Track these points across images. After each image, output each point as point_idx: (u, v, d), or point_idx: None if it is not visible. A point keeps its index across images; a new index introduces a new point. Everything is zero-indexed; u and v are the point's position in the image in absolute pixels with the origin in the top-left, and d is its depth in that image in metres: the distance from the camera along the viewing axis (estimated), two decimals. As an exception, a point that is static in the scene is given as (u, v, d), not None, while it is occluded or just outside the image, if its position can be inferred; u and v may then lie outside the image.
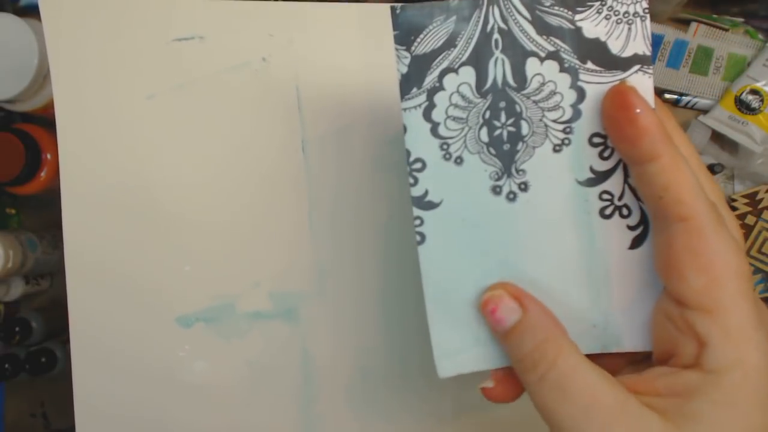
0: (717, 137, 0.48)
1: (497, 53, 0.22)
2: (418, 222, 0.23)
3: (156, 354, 0.37)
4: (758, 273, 0.45)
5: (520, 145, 0.23)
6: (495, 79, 0.22)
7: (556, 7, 0.22)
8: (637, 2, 0.22)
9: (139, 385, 0.37)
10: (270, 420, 0.38)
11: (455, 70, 0.22)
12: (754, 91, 0.46)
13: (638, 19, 0.22)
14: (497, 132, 0.23)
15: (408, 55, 0.22)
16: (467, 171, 0.23)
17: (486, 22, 0.22)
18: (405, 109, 0.23)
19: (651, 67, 0.22)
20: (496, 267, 0.23)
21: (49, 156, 0.41)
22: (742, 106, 0.46)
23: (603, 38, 0.22)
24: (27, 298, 0.48)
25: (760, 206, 0.45)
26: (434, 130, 0.23)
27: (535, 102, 0.22)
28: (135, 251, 0.37)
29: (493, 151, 0.23)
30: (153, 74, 0.36)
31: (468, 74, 0.22)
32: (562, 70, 0.22)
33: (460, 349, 0.24)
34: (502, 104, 0.22)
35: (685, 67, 0.47)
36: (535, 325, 0.21)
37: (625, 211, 0.23)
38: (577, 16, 0.22)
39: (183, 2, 0.36)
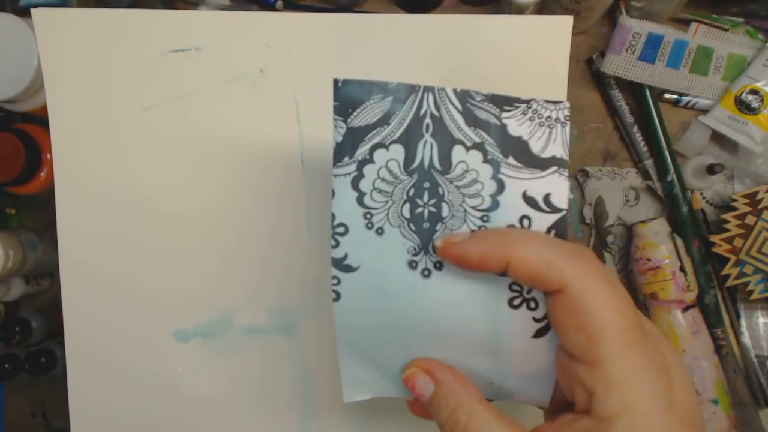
0: (717, 137, 0.48)
1: (427, 136, 0.24)
2: (335, 281, 0.25)
3: (153, 369, 0.37)
4: (758, 273, 0.45)
5: (439, 226, 0.24)
6: (422, 160, 0.24)
7: (486, 103, 0.24)
8: (559, 109, 0.24)
9: (136, 401, 0.37)
10: (267, 428, 0.38)
11: (386, 146, 0.24)
12: (754, 91, 0.46)
13: (559, 125, 0.24)
14: (419, 210, 0.24)
15: (344, 125, 0.23)
16: (387, 242, 0.24)
17: (420, 106, 0.24)
18: (335, 176, 0.24)
19: (566, 170, 0.24)
20: (404, 335, 0.25)
21: (49, 156, 0.41)
22: (742, 106, 0.46)
23: (525, 137, 0.24)
24: (27, 298, 0.48)
25: (760, 206, 0.45)
26: (360, 199, 0.24)
27: (457, 187, 0.24)
28: (132, 265, 0.36)
29: (413, 227, 0.24)
30: (150, 86, 0.36)
31: (397, 152, 0.24)
32: (485, 161, 0.24)
33: (364, 382, 0.26)
34: (426, 184, 0.24)
35: (685, 67, 0.47)
36: (447, 395, 0.23)
37: (532, 304, 0.24)
38: (504, 114, 0.24)
39: (180, 13, 0.36)
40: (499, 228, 0.24)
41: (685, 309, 0.45)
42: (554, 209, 0.24)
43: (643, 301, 0.47)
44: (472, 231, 0.24)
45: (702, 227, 0.48)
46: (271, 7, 0.43)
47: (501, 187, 0.24)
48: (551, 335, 0.24)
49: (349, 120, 0.23)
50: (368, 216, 0.24)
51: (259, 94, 0.37)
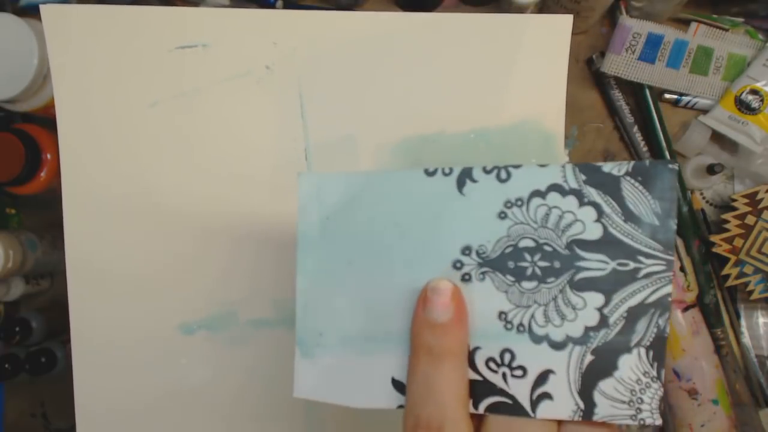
0: (717, 137, 0.48)
1: (612, 264, 0.21)
2: (446, 170, 0.23)
3: (158, 361, 0.37)
4: (758, 273, 0.45)
5: (511, 278, 0.22)
6: (584, 260, 0.21)
7: (655, 330, 0.21)
8: (653, 419, 0.21)
9: (141, 393, 0.37)
10: (273, 428, 0.38)
11: (599, 218, 0.21)
12: (754, 91, 0.46)
13: (632, 413, 0.21)
14: (526, 255, 0.22)
15: (619, 173, 0.22)
16: (489, 221, 0.22)
17: (648, 257, 0.21)
18: (563, 166, 0.22)
19: (580, 419, 0.21)
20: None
21: (49, 156, 0.41)
22: (742, 106, 0.46)
23: (615, 374, 0.21)
24: (27, 298, 0.48)
25: (760, 206, 0.45)
26: (534, 194, 0.22)
27: (555, 299, 0.22)
28: (137, 259, 0.36)
29: (507, 251, 0.22)
30: (156, 82, 0.36)
31: (592, 231, 0.21)
32: (587, 328, 0.21)
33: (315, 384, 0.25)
34: (557, 264, 0.22)
35: (685, 67, 0.47)
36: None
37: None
38: (641, 350, 0.21)
39: (187, 10, 0.36)
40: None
41: (685, 309, 0.45)
42: (533, 406, 0.21)
43: (643, 301, 0.47)
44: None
45: (702, 227, 0.48)
46: (271, 7, 0.43)
47: (559, 347, 0.21)
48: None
49: (628, 178, 0.21)
50: (518, 203, 0.22)
51: (265, 90, 0.37)
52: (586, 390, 0.21)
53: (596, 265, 0.21)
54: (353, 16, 0.38)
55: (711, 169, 0.46)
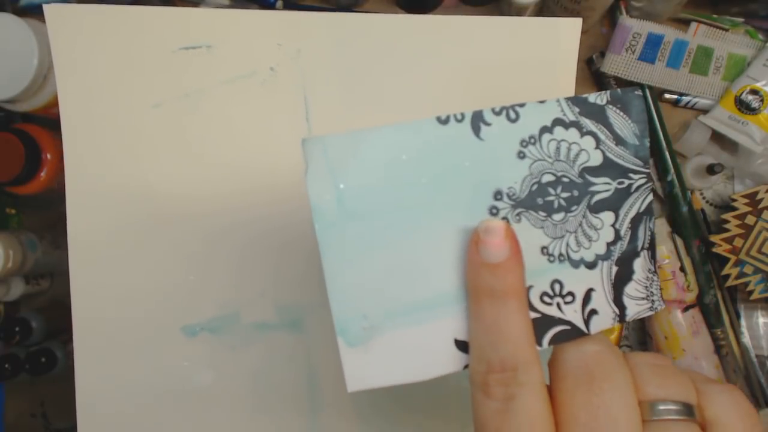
0: (717, 137, 0.48)
1: (614, 184, 0.24)
2: (458, 116, 0.23)
3: (160, 364, 0.37)
4: (758, 273, 0.45)
5: (543, 213, 0.23)
6: (594, 184, 0.24)
7: (650, 234, 0.25)
8: (661, 303, 0.25)
9: (142, 395, 0.37)
10: (276, 429, 0.38)
11: (597, 145, 0.24)
12: (754, 91, 0.46)
13: (649, 304, 0.25)
14: (551, 190, 0.24)
15: (603, 101, 0.25)
16: (511, 164, 0.23)
17: (634, 172, 0.25)
18: (558, 100, 0.24)
19: (619, 323, 0.25)
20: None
21: (49, 156, 0.41)
22: (742, 106, 0.46)
23: (634, 277, 0.25)
24: (27, 298, 0.48)
25: (760, 206, 0.45)
26: (543, 130, 0.24)
27: (581, 224, 0.24)
28: (140, 260, 0.36)
29: (534, 188, 0.23)
30: (159, 83, 0.36)
31: (596, 157, 0.24)
32: (608, 243, 0.24)
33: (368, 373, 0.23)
34: (576, 193, 0.24)
35: (685, 67, 0.47)
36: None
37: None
38: (644, 252, 0.25)
39: (191, 11, 0.36)
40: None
41: (685, 309, 0.45)
42: (586, 324, 0.23)
43: (643, 301, 0.47)
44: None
45: (702, 227, 0.48)
46: (271, 7, 0.43)
47: (593, 265, 0.24)
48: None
49: (610, 106, 0.24)
50: (532, 140, 0.23)
51: (269, 92, 0.37)
52: (617, 297, 0.24)
53: (603, 187, 0.24)
54: (358, 17, 0.37)
55: (711, 169, 0.46)
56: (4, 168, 0.40)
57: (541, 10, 0.47)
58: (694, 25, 0.47)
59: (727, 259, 0.46)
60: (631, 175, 0.24)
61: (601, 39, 0.49)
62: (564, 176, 0.23)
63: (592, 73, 0.49)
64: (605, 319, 0.23)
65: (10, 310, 0.48)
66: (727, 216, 0.46)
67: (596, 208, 0.24)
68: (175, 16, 0.36)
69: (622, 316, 0.24)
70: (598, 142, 0.24)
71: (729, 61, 0.47)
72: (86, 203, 0.36)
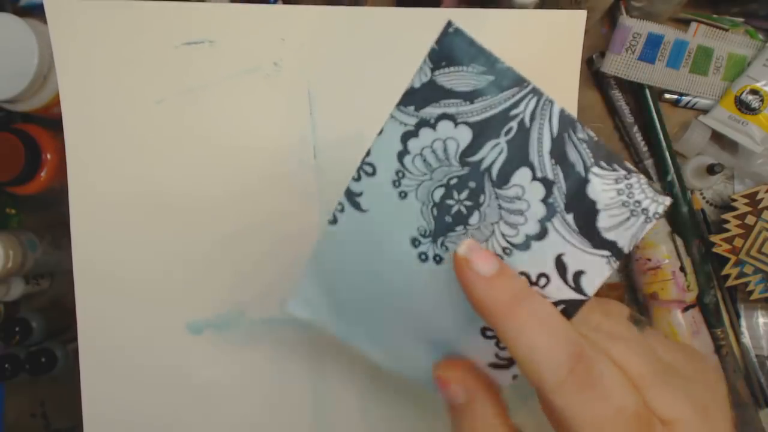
0: (717, 137, 0.48)
1: (502, 140, 0.21)
2: (339, 207, 0.23)
3: (165, 360, 0.37)
4: (758, 273, 0.45)
5: (460, 228, 0.22)
6: (482, 160, 0.21)
7: (584, 145, 0.20)
8: (657, 202, 0.20)
9: (148, 392, 0.37)
10: (279, 426, 0.38)
11: (455, 122, 0.21)
12: (754, 91, 0.46)
13: (643, 218, 0.20)
14: (450, 202, 0.22)
15: (429, 75, 0.21)
16: (404, 209, 0.22)
17: (515, 105, 0.20)
18: (392, 116, 0.22)
19: (618, 262, 0.21)
20: (377, 295, 0.24)
21: (49, 156, 0.41)
22: (742, 106, 0.46)
23: (600, 206, 0.20)
24: (27, 298, 0.48)
25: (760, 206, 0.45)
26: (401, 156, 0.22)
27: (500, 206, 0.21)
28: (144, 257, 0.36)
29: (435, 213, 0.22)
30: (162, 78, 0.36)
31: (463, 135, 0.21)
32: (544, 200, 0.21)
33: (313, 305, 0.26)
34: (472, 184, 0.21)
35: (685, 67, 0.47)
36: (474, 416, 0.22)
37: (503, 344, 0.22)
38: (595, 169, 0.20)
39: (193, 5, 0.36)
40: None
41: (685, 309, 0.45)
42: (579, 290, 0.21)
43: (644, 301, 0.47)
44: (501, 260, 0.21)
45: (702, 227, 0.48)
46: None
47: (542, 234, 0.21)
48: (506, 373, 0.23)
49: (437, 73, 0.21)
50: (400, 175, 0.22)
51: (273, 86, 0.37)
52: (596, 239, 0.21)
53: (492, 152, 0.21)
54: (361, 11, 0.37)
55: (711, 169, 0.46)
56: (4, 168, 0.40)
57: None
58: (694, 25, 0.47)
59: (727, 259, 0.46)
60: (514, 111, 0.20)
61: (601, 39, 0.49)
62: (450, 179, 0.21)
63: (592, 73, 0.49)
64: (596, 270, 0.21)
65: (10, 310, 0.48)
66: (727, 216, 0.46)
67: (503, 179, 0.21)
68: (178, 11, 0.36)
69: (617, 254, 0.21)
70: (454, 118, 0.21)
71: (729, 61, 0.47)
72: (89, 200, 0.36)
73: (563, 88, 0.38)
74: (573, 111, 0.38)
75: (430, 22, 0.37)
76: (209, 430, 0.37)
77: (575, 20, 0.37)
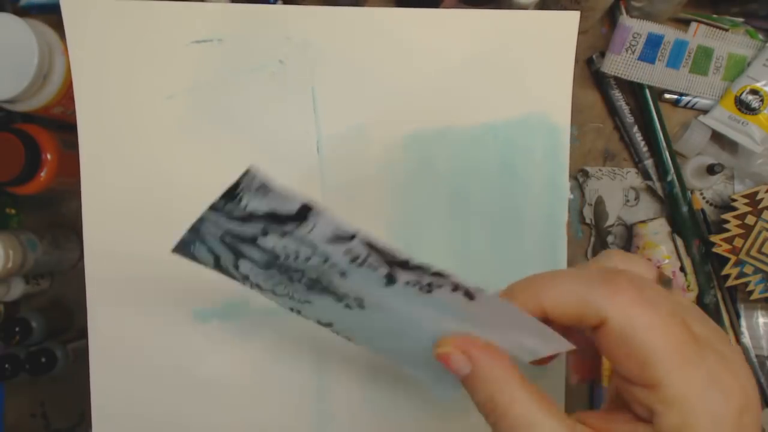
0: (717, 137, 0.48)
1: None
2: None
3: (172, 350, 0.37)
4: (758, 273, 0.45)
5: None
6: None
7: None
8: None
9: (154, 381, 0.38)
10: (283, 415, 0.38)
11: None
12: (754, 91, 0.46)
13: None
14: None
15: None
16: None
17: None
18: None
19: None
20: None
21: (49, 156, 0.41)
22: (742, 106, 0.46)
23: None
24: (27, 298, 0.48)
25: (760, 206, 0.45)
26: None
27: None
28: (152, 250, 0.37)
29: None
30: (172, 75, 0.37)
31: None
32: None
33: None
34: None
35: (685, 67, 0.47)
36: (484, 378, 0.22)
37: (373, 266, 0.22)
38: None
39: (202, 5, 0.37)
40: (534, 275, 0.22)
41: (685, 309, 0.45)
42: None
43: (643, 301, 0.47)
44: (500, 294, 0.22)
45: (702, 227, 0.48)
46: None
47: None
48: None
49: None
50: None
51: (278, 84, 0.38)
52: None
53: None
54: (364, 11, 0.38)
55: (711, 169, 0.46)
56: (4, 168, 0.40)
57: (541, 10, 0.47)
58: (694, 25, 0.47)
59: (727, 259, 0.46)
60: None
61: (601, 39, 0.49)
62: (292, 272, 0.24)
63: (592, 73, 0.49)
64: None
65: (10, 310, 0.48)
66: (727, 216, 0.46)
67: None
68: (188, 10, 0.37)
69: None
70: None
71: (729, 61, 0.47)
72: (101, 194, 0.37)
73: (557, 83, 0.39)
74: (567, 110, 0.39)
75: (431, 22, 0.38)
76: (214, 418, 0.38)
77: (569, 21, 0.38)
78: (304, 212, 0.21)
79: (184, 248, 0.26)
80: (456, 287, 0.22)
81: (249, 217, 0.22)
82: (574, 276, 0.21)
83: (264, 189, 0.21)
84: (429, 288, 0.22)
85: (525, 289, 0.22)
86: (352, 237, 0.21)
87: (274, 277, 0.25)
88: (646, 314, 0.20)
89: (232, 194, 0.22)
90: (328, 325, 0.27)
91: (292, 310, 0.27)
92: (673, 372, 0.19)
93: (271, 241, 0.23)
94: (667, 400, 0.19)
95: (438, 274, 0.21)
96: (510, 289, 0.22)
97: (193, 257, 0.26)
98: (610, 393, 0.24)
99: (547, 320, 0.21)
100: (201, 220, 0.24)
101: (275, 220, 0.22)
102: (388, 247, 0.21)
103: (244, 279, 0.26)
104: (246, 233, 0.23)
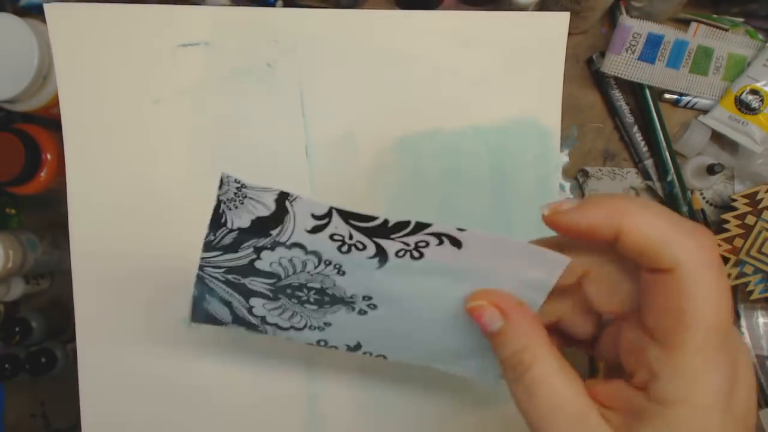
0: (717, 137, 0.48)
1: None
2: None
3: (163, 355, 0.37)
4: (758, 273, 0.45)
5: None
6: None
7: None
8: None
9: (145, 386, 0.37)
10: (275, 418, 0.38)
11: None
12: (754, 91, 0.46)
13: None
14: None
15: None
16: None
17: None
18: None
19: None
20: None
21: (49, 156, 0.41)
22: (742, 106, 0.46)
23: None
24: (27, 298, 0.48)
25: (760, 206, 0.45)
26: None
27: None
28: (140, 255, 0.37)
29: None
30: (159, 79, 0.37)
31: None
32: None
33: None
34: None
35: (685, 67, 0.47)
36: (515, 334, 0.22)
37: (360, 246, 0.23)
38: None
39: (188, 8, 0.37)
40: (614, 194, 0.22)
41: (685, 309, 0.45)
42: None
43: (643, 301, 0.47)
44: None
45: (702, 227, 0.48)
46: (271, 7, 0.43)
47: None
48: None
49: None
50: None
51: (266, 87, 0.37)
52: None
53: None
54: (353, 14, 0.38)
55: (711, 169, 0.46)
56: (4, 168, 0.40)
57: (541, 10, 0.47)
58: (694, 25, 0.47)
59: (727, 259, 0.46)
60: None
61: (601, 39, 0.49)
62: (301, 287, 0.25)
63: (592, 73, 0.49)
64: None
65: (10, 310, 0.48)
66: (727, 216, 0.46)
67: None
68: (174, 14, 0.36)
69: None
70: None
71: (729, 61, 0.47)
72: (88, 198, 0.36)
73: (547, 85, 0.39)
74: (557, 108, 0.39)
75: (420, 25, 0.38)
76: (205, 423, 0.38)
77: (558, 22, 0.38)
78: (281, 201, 0.22)
79: (199, 310, 0.26)
80: (440, 238, 0.22)
81: (239, 238, 0.23)
82: (664, 213, 0.20)
83: (241, 191, 0.22)
84: (419, 251, 0.23)
85: (611, 203, 0.21)
86: (329, 212, 0.22)
87: (286, 308, 0.26)
88: (713, 283, 0.19)
89: (217, 221, 0.23)
90: (357, 347, 0.27)
91: (318, 343, 0.27)
92: (699, 346, 0.19)
93: (267, 261, 0.24)
94: (678, 368, 0.19)
95: (419, 226, 0.22)
96: (593, 200, 0.22)
97: (212, 318, 0.27)
98: (607, 364, 0.24)
99: (608, 243, 0.21)
100: (201, 267, 0.25)
101: (261, 227, 0.23)
102: (363, 212, 0.22)
103: (263, 323, 0.27)
104: (242, 262, 0.24)
